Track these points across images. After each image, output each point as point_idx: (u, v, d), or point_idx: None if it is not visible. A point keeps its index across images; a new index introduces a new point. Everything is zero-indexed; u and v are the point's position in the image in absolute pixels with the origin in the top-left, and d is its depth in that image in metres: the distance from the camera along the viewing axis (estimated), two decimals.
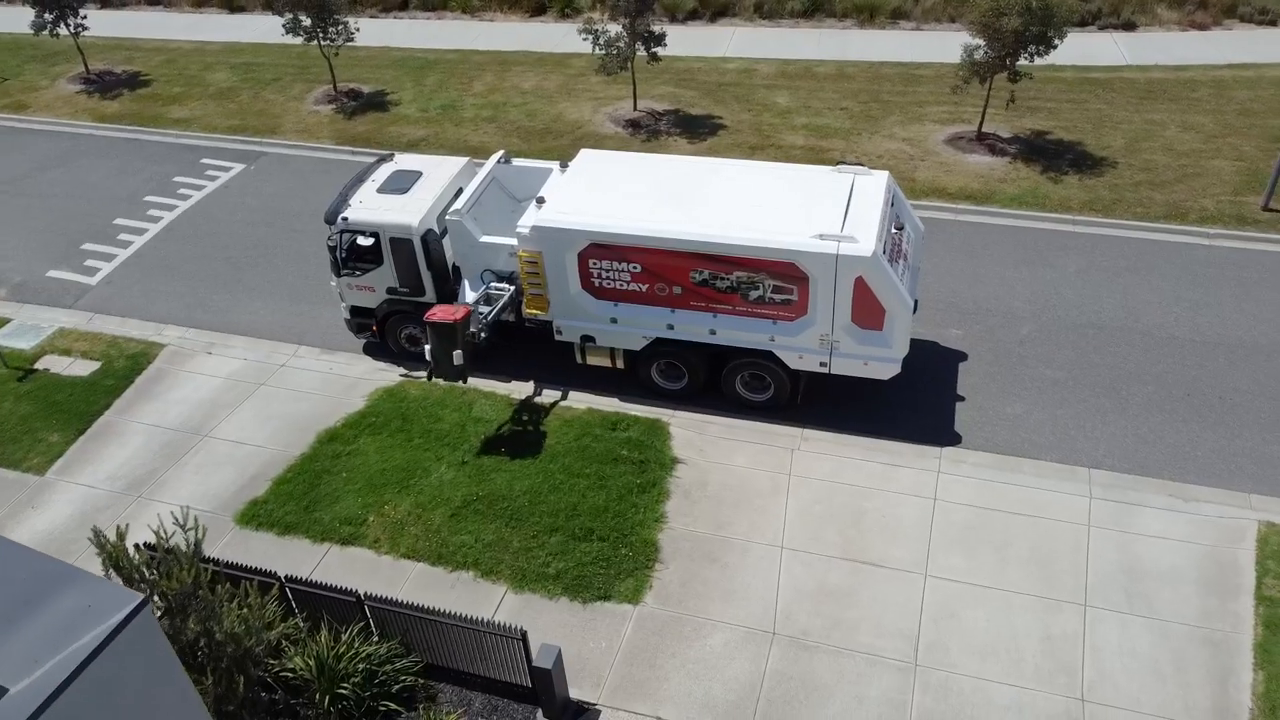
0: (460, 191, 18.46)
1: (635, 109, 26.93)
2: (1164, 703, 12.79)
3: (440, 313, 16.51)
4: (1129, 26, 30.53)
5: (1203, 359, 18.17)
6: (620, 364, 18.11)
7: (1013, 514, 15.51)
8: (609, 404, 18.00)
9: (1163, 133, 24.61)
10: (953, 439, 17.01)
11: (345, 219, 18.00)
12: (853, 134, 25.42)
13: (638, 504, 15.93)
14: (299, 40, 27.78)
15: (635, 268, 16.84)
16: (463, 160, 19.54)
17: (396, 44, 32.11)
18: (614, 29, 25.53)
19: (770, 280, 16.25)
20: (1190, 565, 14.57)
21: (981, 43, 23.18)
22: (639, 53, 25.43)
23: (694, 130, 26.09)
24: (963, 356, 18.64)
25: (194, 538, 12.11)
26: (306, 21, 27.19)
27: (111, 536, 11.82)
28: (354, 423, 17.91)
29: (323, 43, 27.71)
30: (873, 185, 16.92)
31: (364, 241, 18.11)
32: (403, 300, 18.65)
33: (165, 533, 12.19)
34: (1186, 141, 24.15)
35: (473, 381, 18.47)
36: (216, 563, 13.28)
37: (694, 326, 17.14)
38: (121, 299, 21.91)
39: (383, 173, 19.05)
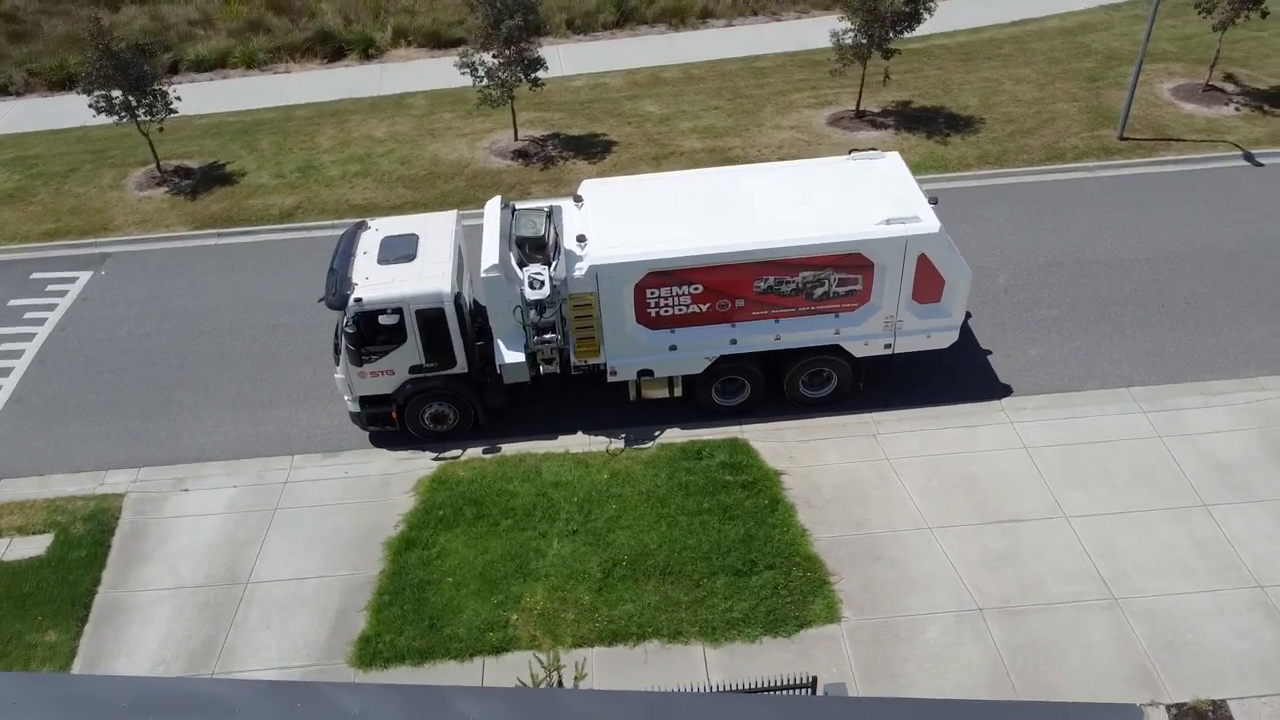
0: (460, 250, 16.97)
1: (516, 139, 25.82)
2: None
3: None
4: None
5: (1152, 273, 20.47)
6: (679, 392, 17.46)
7: (1094, 443, 16.71)
8: (677, 435, 17.30)
9: (1001, 87, 27.30)
10: (1004, 390, 18.01)
11: (360, 300, 15.90)
12: (742, 130, 25.97)
13: (774, 524, 15.49)
14: (110, 120, 24.01)
15: (696, 289, 16.28)
16: (451, 214, 17.90)
17: (194, 111, 28.56)
18: (487, 57, 24.29)
19: (835, 274, 16.34)
20: (1255, 448, 16.44)
21: (852, 26, 24.48)
22: (520, 81, 24.39)
23: (587, 151, 25.49)
24: (966, 315, 19.74)
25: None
26: (119, 97, 23.53)
27: None
28: (419, 523, 15.92)
29: (142, 119, 24.11)
30: (892, 166, 17.46)
31: (385, 320, 16.10)
32: (430, 377, 16.79)
33: None
34: (1026, 92, 26.96)
35: (521, 447, 17.17)
36: None
37: (758, 336, 16.87)
38: (22, 455, 17.95)
39: (369, 243, 17.02)
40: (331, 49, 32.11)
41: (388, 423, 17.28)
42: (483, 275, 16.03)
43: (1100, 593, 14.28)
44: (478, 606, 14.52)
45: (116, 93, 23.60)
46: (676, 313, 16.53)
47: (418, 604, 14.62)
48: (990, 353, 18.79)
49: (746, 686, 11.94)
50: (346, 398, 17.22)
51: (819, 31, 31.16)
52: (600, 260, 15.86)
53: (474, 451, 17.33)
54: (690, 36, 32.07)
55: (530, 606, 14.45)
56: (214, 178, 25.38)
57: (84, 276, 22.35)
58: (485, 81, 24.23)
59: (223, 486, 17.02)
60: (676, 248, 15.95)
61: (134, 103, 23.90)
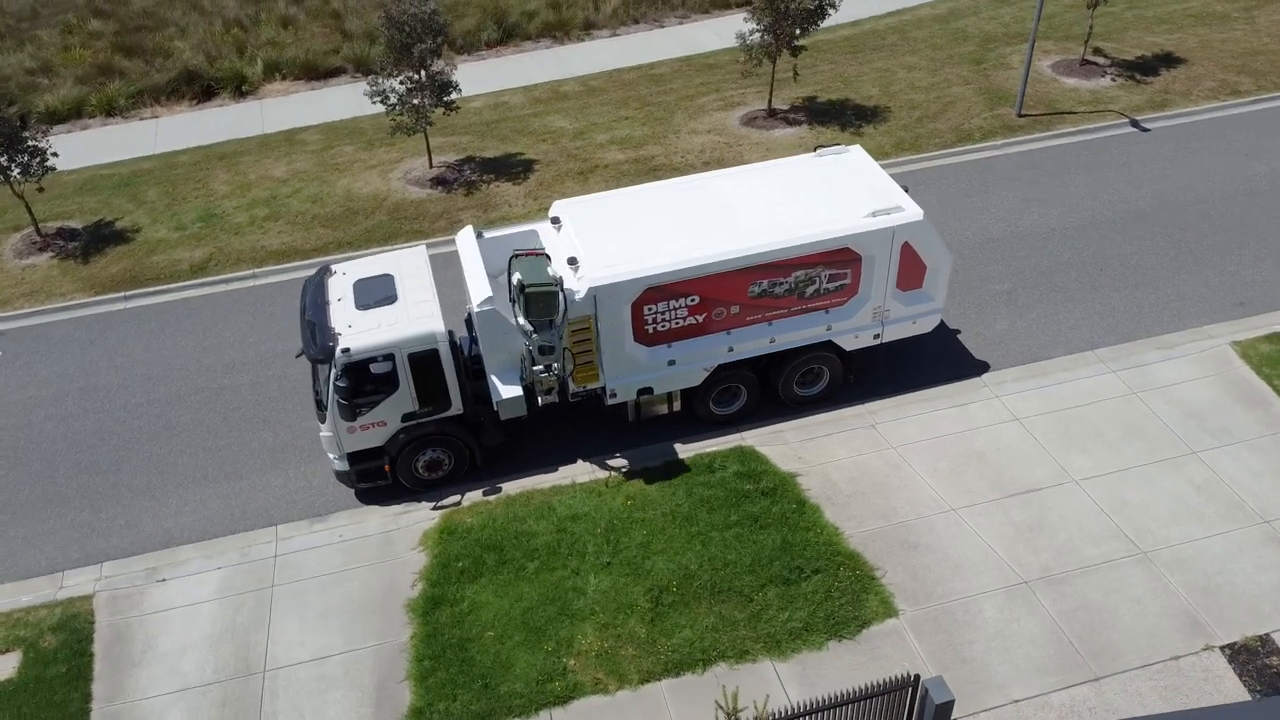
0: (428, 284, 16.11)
1: (431, 166, 24.79)
2: None
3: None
4: None
5: (1083, 239, 21.50)
6: (678, 406, 17.10)
7: (1079, 407, 17.35)
8: (681, 451, 16.90)
9: (897, 76, 28.15)
10: (981, 366, 18.50)
11: (348, 350, 14.78)
12: (660, 138, 25.78)
13: (806, 526, 15.35)
14: None
15: (693, 300, 15.98)
16: (420, 248, 16.96)
17: (60, 167, 26.09)
18: (395, 84, 23.20)
19: (826, 270, 16.37)
20: (1220, 393, 17.45)
21: (758, 25, 24.71)
22: (435, 107, 23.42)
23: (508, 172, 24.72)
24: None
25: None
26: None
27: None
28: (440, 579, 14.95)
29: (17, 180, 21.84)
30: (860, 159, 17.67)
31: (376, 369, 15.04)
32: (424, 423, 15.82)
33: None
34: (920, 79, 27.89)
35: (523, 484, 16.45)
36: None
37: (753, 341, 16.71)
38: None
39: (340, 288, 15.88)
40: (199, 89, 30.03)
41: (380, 477, 16.18)
42: (476, 310, 15.23)
43: (1129, 549, 14.81)
44: (529, 657, 13.74)
45: None
46: (674, 326, 16.17)
47: (463, 664, 13.71)
48: (959, 332, 19.27)
49: (847, 695, 11.73)
50: (332, 455, 16.03)
51: (706, 35, 31.74)
52: (598, 281, 15.33)
53: (474, 495, 16.46)
54: (577, 49, 31.68)
55: (585, 648, 13.78)
56: (104, 237, 23.25)
57: None
58: (398, 109, 23.16)
59: (205, 570, 15.52)
60: (673, 261, 15.60)
61: (5, 162, 21.64)
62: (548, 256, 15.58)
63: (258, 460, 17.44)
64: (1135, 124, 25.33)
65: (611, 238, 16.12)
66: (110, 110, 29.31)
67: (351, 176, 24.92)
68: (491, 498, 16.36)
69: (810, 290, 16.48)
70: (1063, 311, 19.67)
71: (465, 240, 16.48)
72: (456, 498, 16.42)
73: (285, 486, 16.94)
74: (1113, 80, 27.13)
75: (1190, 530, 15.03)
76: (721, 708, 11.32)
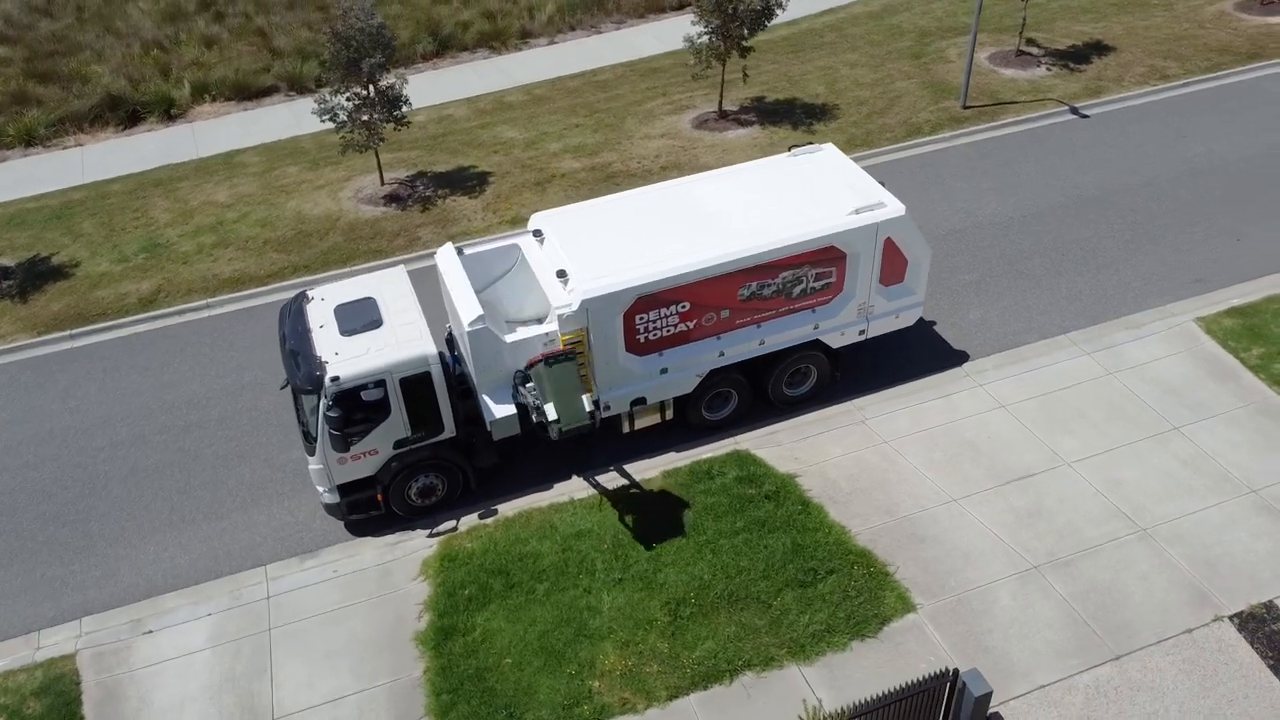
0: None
1: (383, 183, 24.15)
2: None
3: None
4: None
5: (1042, 226, 21.95)
6: (670, 415, 16.90)
7: (1060, 390, 17.66)
8: (676, 459, 16.73)
9: (840, 73, 28.42)
10: (961, 356, 18.70)
11: (337, 379, 14.21)
12: (614, 144, 25.55)
13: (814, 527, 15.30)
14: None
15: (684, 306, 15.81)
16: (399, 269, 16.41)
17: None
18: (342, 100, 22.53)
19: (813, 270, 16.35)
20: (1191, 368, 17.94)
21: (706, 29, 24.68)
22: (386, 122, 22.82)
23: (463, 186, 24.21)
24: None
25: None
26: None
27: None
28: (447, 608, 14.48)
29: None
30: (834, 157, 17.70)
31: (368, 395, 14.49)
32: (417, 448, 15.32)
33: None
34: (864, 76, 28.21)
35: (519, 504, 16.09)
36: None
37: (743, 345, 16.61)
38: None
39: (321, 314, 15.28)
40: (125, 114, 28.76)
41: (372, 507, 15.62)
42: (468, 330, 14.80)
43: (1129, 527, 15.10)
44: (551, 683, 13.38)
45: None
46: (665, 334, 15.98)
47: (485, 695, 13.28)
48: (935, 323, 19.48)
49: (888, 694, 11.68)
50: (321, 488, 15.42)
51: (646, 39, 31.65)
52: (590, 293, 15.04)
53: (470, 519, 16.01)
54: (516, 58, 31.28)
55: (608, 669, 13.48)
56: (41, 273, 22.07)
57: None
58: (348, 126, 22.50)
59: (194, 619, 14.78)
60: (663, 268, 15.40)
61: None
62: (573, 357, 14.80)
63: (236, 498, 16.70)
64: (1075, 111, 26.01)
65: (598, 248, 15.84)
66: (30, 140, 27.88)
67: (300, 198, 24.14)
68: (489, 520, 15.94)
69: (797, 290, 16.45)
70: (1031, 297, 20.03)
71: (447, 258, 16.03)
72: (452, 523, 15.95)
73: (269, 523, 16.25)
74: (1048, 70, 27.83)
75: (1184, 504, 15.40)
76: None
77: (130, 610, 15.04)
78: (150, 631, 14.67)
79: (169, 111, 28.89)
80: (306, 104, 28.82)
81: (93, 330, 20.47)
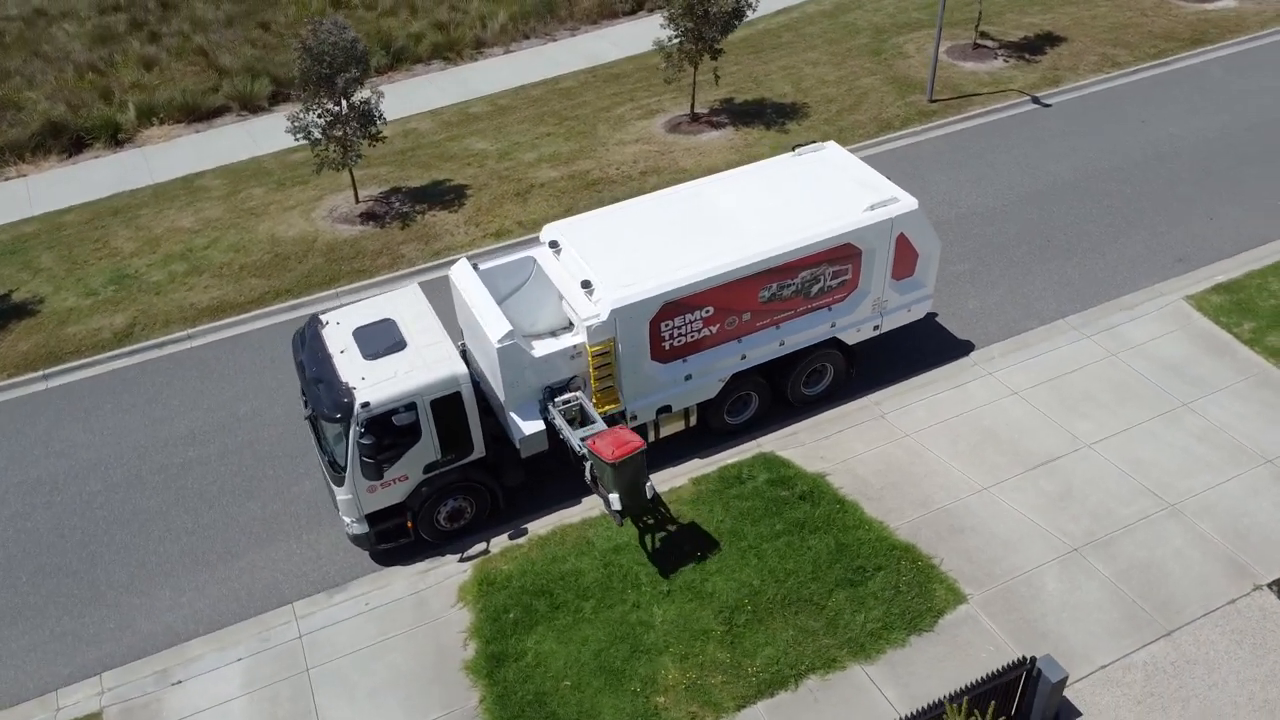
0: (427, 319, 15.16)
1: (358, 201, 23.46)
2: None
3: (619, 447, 13.67)
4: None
5: (1024, 214, 22.34)
6: (694, 421, 16.71)
7: (1068, 374, 17.96)
8: (701, 466, 16.55)
9: (804, 72, 28.58)
10: (967, 345, 18.90)
11: (368, 405, 13.66)
12: (589, 151, 25.25)
13: (853, 525, 15.25)
14: None
15: (707, 311, 15.64)
16: (414, 287, 15.88)
17: None
18: (314, 118, 21.83)
19: (830, 268, 16.33)
20: (1189, 345, 18.42)
21: (677, 32, 24.57)
22: (361, 139, 22.18)
23: (441, 200, 23.66)
24: None
25: None
26: None
27: None
28: (493, 635, 14.05)
29: None
30: (840, 154, 17.73)
31: (399, 420, 13.97)
32: (447, 471, 14.84)
33: None
34: (829, 74, 28.41)
35: (549, 521, 15.73)
36: None
37: (764, 346, 16.51)
38: None
39: (339, 339, 14.70)
40: (68, 141, 27.49)
41: (402, 535, 15.09)
42: (497, 346, 14.39)
43: (1158, 504, 15.39)
44: (615, 701, 13.06)
45: None
46: (689, 340, 15.78)
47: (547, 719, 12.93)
48: (937, 315, 19.65)
49: (967, 686, 11.65)
50: (349, 519, 14.83)
51: (603, 45, 31.47)
52: (619, 302, 14.77)
53: (500, 540, 15.59)
54: (474, 69, 30.77)
55: (670, 683, 13.22)
56: (2, 312, 20.88)
57: None
58: (323, 145, 21.80)
59: (224, 664, 14.08)
60: (689, 273, 15.21)
61: None
62: (643, 452, 14.10)
63: (250, 535, 15.99)
64: (1037, 100, 26.58)
65: (617, 256, 15.58)
66: None
67: (271, 220, 23.31)
68: (521, 540, 15.54)
69: (815, 289, 16.42)
70: (1025, 284, 20.36)
71: (464, 274, 15.58)
72: (483, 545, 15.51)
73: (289, 559, 15.60)
74: (1005, 61, 28.41)
75: (1206, 478, 15.76)
76: None
77: (153, 661, 14.26)
78: (179, 682, 13.93)
79: (115, 137, 27.69)
80: (261, 123, 28.18)
81: (67, 369, 19.43)
